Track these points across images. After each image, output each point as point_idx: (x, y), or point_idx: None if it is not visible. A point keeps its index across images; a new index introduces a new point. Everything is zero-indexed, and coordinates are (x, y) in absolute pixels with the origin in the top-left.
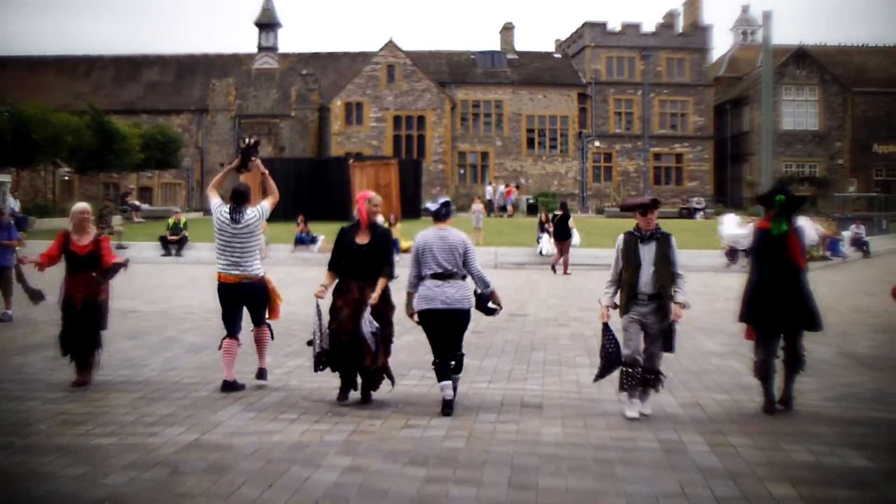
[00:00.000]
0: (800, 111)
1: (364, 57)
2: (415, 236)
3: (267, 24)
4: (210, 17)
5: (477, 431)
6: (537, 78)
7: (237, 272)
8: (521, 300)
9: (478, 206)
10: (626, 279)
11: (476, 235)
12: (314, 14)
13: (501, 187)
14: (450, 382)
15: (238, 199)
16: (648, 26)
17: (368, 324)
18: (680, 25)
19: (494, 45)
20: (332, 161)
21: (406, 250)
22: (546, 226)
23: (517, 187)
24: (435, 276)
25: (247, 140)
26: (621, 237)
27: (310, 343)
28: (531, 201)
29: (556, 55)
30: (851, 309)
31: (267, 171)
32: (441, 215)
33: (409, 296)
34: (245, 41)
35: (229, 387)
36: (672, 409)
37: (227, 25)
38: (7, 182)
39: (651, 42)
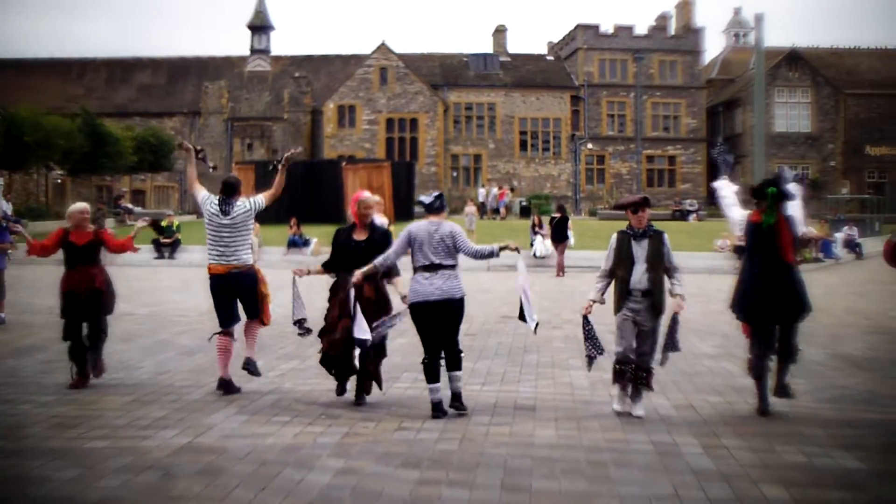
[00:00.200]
0: (792, 113)
1: (356, 59)
2: (408, 225)
3: (259, 26)
4: (202, 20)
5: (470, 434)
6: (530, 80)
7: (227, 262)
8: (513, 302)
9: (471, 208)
10: (619, 276)
11: (469, 238)
12: (307, 17)
13: (494, 190)
14: (438, 385)
15: (227, 191)
16: (641, 29)
17: (359, 331)
18: (672, 28)
19: (487, 47)
20: (325, 164)
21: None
22: (537, 228)
23: (511, 190)
24: (426, 268)
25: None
26: (615, 236)
27: (297, 324)
28: (524, 203)
29: (548, 57)
30: (844, 310)
31: (283, 169)
32: (434, 208)
33: (375, 268)
34: (237, 44)
35: (225, 385)
36: (665, 410)
37: (219, 28)
38: None
39: (643, 44)
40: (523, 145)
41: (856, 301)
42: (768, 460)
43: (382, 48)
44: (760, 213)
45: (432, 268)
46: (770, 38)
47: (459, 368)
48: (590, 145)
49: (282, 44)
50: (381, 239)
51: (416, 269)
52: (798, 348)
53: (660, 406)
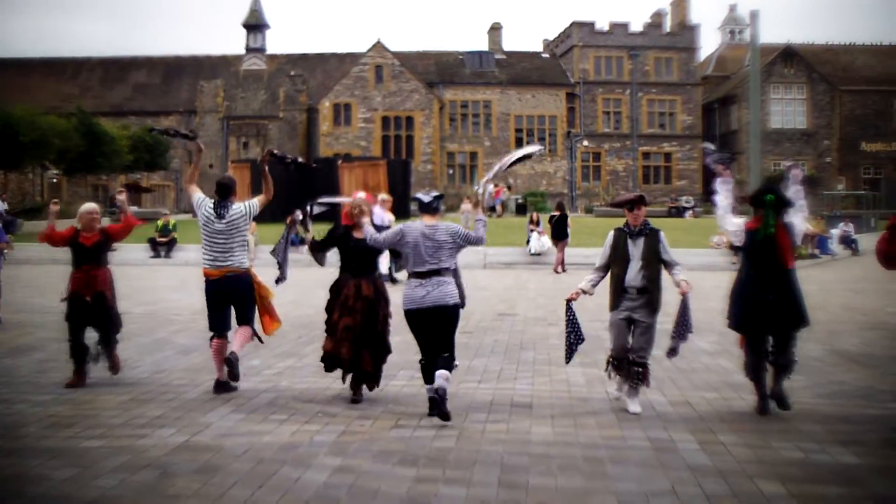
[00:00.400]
0: (788, 110)
1: (352, 58)
2: (403, 224)
3: (255, 25)
4: (198, 19)
5: (467, 431)
6: (525, 78)
7: (221, 265)
8: (510, 300)
9: (467, 206)
10: (614, 274)
11: None
12: (302, 15)
13: (490, 187)
14: (433, 386)
15: (223, 193)
16: (636, 26)
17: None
18: (668, 25)
19: (482, 45)
20: (321, 162)
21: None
22: (530, 226)
23: (507, 188)
24: (420, 274)
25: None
26: (611, 234)
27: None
28: (520, 201)
29: (544, 55)
30: (841, 307)
31: (267, 169)
32: (432, 208)
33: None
34: (233, 42)
35: (221, 386)
36: (662, 407)
37: (214, 27)
38: None
39: (639, 41)
40: (519, 143)
41: (852, 297)
42: (765, 456)
43: (378, 46)
44: (758, 222)
45: (426, 274)
46: (765, 35)
47: (449, 369)
48: (585, 142)
49: (277, 42)
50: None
51: (409, 275)
52: (795, 361)
53: (656, 402)
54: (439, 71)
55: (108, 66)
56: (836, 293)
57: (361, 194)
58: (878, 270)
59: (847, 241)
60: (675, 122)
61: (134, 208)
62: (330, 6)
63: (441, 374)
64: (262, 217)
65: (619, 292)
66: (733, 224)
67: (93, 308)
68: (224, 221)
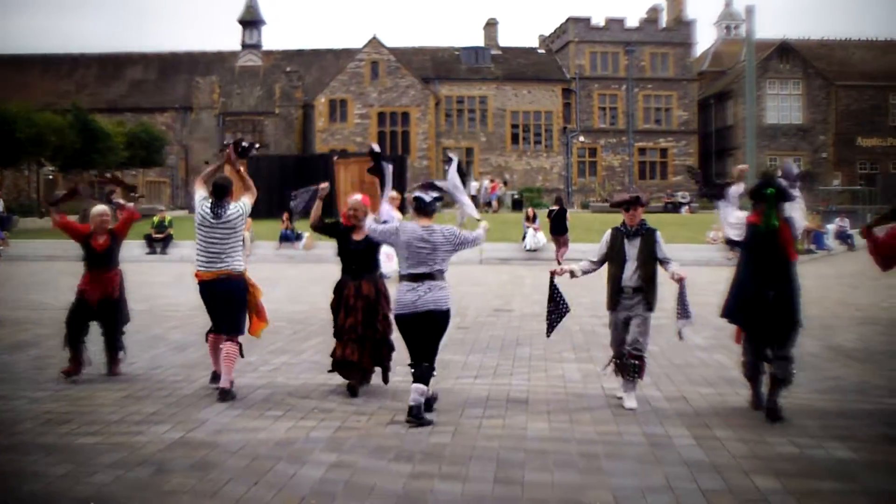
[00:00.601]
0: (784, 105)
1: (348, 54)
2: (400, 223)
3: (250, 21)
4: (193, 15)
5: (463, 427)
6: (521, 73)
7: (215, 268)
8: (505, 295)
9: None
10: (611, 273)
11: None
12: (298, 11)
13: (486, 183)
14: (421, 387)
15: (219, 194)
16: (632, 21)
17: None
18: (664, 20)
19: (478, 40)
20: (317, 158)
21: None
22: (526, 223)
23: (504, 183)
24: (413, 277)
25: (244, 143)
26: (609, 232)
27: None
28: (516, 197)
29: (539, 51)
30: (836, 302)
31: (243, 169)
32: (432, 210)
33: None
34: (228, 39)
35: (217, 379)
36: (657, 402)
37: (210, 23)
38: None
39: (635, 37)
40: (515, 138)
41: (848, 292)
42: (760, 451)
43: (373, 42)
44: (759, 215)
45: (419, 277)
46: (761, 30)
47: (425, 383)
48: (581, 138)
49: (273, 38)
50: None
51: (401, 277)
52: (792, 371)
53: (652, 398)
54: (435, 67)
55: (103, 62)
56: (831, 288)
57: (357, 196)
58: (874, 265)
59: (843, 237)
60: (671, 118)
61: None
62: (326, 2)
63: (417, 388)
64: (258, 213)
65: (615, 292)
66: (735, 217)
67: (100, 309)
68: (221, 220)
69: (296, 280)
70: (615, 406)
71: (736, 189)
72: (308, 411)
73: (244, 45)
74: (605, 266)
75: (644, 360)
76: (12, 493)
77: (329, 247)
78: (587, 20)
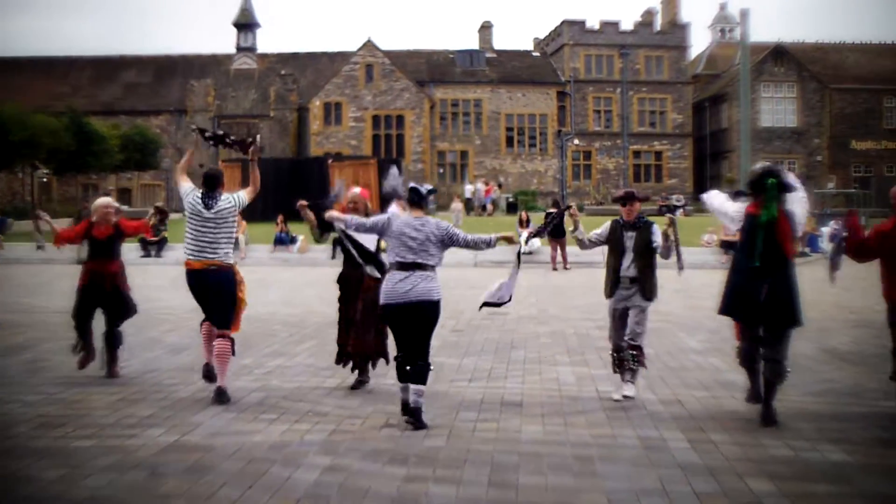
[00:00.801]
0: (778, 108)
1: (342, 57)
2: (392, 213)
3: (245, 24)
4: (188, 18)
5: (457, 430)
6: (516, 76)
7: (204, 258)
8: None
9: (457, 205)
10: (610, 264)
11: None
12: (292, 14)
13: (481, 186)
14: (407, 385)
15: (210, 184)
16: (627, 24)
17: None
18: (658, 23)
19: (473, 43)
20: (312, 161)
21: (384, 250)
22: (520, 229)
23: (498, 186)
24: (403, 266)
25: (207, 133)
26: (609, 222)
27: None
28: (511, 200)
29: (534, 53)
30: (831, 304)
31: (256, 161)
32: (425, 203)
33: (344, 221)
34: (223, 42)
35: (210, 372)
36: (652, 405)
37: (205, 26)
38: None
39: (629, 40)
40: (510, 141)
41: (842, 295)
42: (755, 454)
43: (368, 45)
44: (758, 206)
45: (410, 266)
46: (755, 34)
47: (423, 382)
48: (576, 141)
49: (268, 41)
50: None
51: (391, 266)
52: (786, 371)
53: (647, 401)
54: (430, 70)
55: (98, 65)
56: (826, 291)
57: (357, 189)
58: (868, 268)
59: (837, 240)
60: (665, 121)
61: (125, 207)
62: (320, 5)
63: (416, 389)
64: (252, 216)
65: (614, 281)
66: (735, 209)
67: (105, 297)
68: (212, 212)
69: (290, 283)
70: (610, 409)
71: (715, 193)
72: (302, 414)
73: (239, 48)
74: (605, 258)
75: (642, 349)
76: (6, 497)
77: (323, 250)
78: (582, 23)
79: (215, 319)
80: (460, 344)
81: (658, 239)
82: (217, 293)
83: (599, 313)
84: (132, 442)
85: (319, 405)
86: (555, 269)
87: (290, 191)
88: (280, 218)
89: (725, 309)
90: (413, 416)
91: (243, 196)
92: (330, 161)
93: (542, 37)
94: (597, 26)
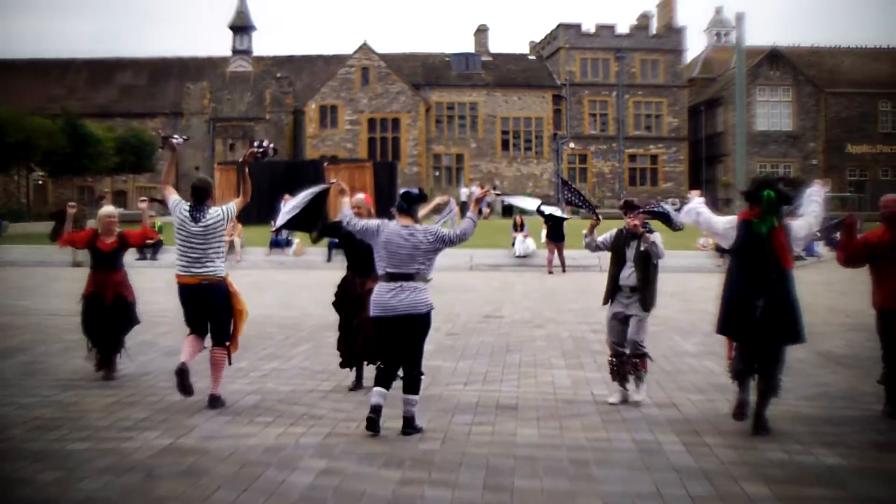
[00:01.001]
0: (773, 112)
1: (338, 60)
2: (382, 221)
3: (241, 27)
4: (184, 21)
5: (452, 433)
6: (512, 80)
7: (196, 272)
8: (496, 302)
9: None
10: (610, 273)
11: None
12: (288, 17)
13: (476, 189)
14: (382, 390)
15: (198, 196)
16: (622, 28)
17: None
18: (654, 27)
19: (469, 47)
20: (307, 164)
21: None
22: (514, 234)
23: (494, 188)
24: (391, 277)
25: (263, 144)
26: (614, 230)
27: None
28: (506, 203)
29: (530, 57)
30: (826, 308)
31: (248, 171)
32: (413, 210)
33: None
34: (219, 44)
35: (181, 373)
36: (647, 409)
37: (200, 29)
38: None
39: (625, 43)
40: (505, 145)
41: (837, 298)
42: (749, 458)
43: (364, 48)
44: (753, 215)
45: (398, 277)
46: (751, 37)
47: (416, 392)
48: (572, 144)
49: (263, 44)
50: None
51: (380, 277)
52: (780, 383)
53: (642, 404)
54: (426, 73)
55: (93, 67)
56: (821, 295)
57: (360, 195)
58: (863, 272)
59: (833, 244)
60: (661, 125)
61: (121, 210)
62: (316, 8)
63: (410, 399)
64: (249, 219)
65: (613, 290)
66: (722, 224)
67: (110, 308)
68: (200, 225)
69: (286, 286)
70: (605, 412)
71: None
72: (298, 417)
73: (235, 51)
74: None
75: (645, 357)
76: (2, 500)
77: (319, 252)
78: (578, 27)
79: (213, 335)
80: (456, 347)
81: (657, 251)
82: (212, 308)
83: (595, 317)
84: (127, 445)
85: (315, 408)
86: (550, 272)
87: (286, 193)
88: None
89: (723, 327)
90: (407, 426)
91: (232, 207)
92: (326, 164)
93: (537, 40)
94: (592, 30)
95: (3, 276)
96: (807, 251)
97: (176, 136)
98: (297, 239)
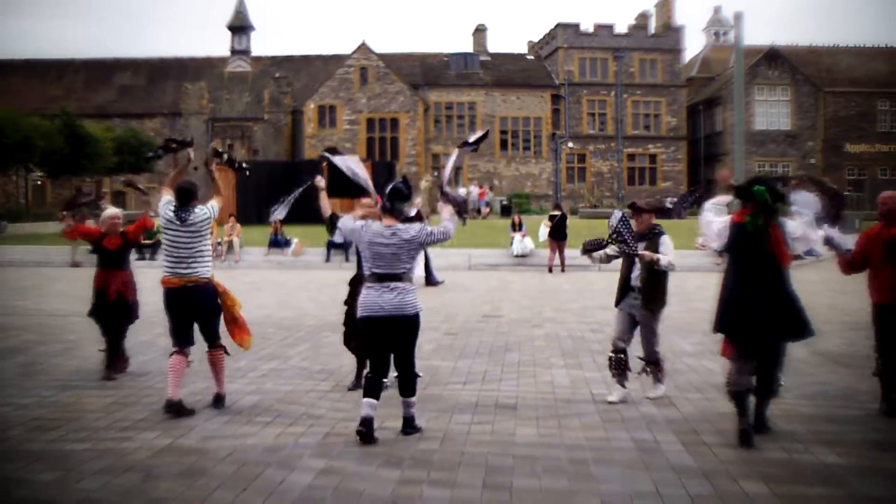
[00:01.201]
0: (772, 111)
1: (337, 59)
2: (365, 222)
3: (239, 27)
4: (182, 21)
5: (451, 433)
6: (510, 79)
7: (181, 273)
8: (494, 301)
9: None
10: (621, 273)
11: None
12: (287, 17)
13: (475, 189)
14: (372, 401)
15: (183, 197)
16: (621, 27)
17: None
18: (652, 26)
19: (467, 46)
20: (306, 164)
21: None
22: (512, 234)
23: (491, 189)
24: (378, 277)
25: (221, 150)
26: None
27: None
28: (505, 202)
29: (528, 56)
30: (825, 307)
31: (213, 171)
32: (396, 210)
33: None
34: (217, 44)
35: (174, 407)
36: (646, 408)
37: (199, 29)
38: None
39: (624, 43)
40: (504, 144)
41: (836, 298)
42: (748, 457)
43: (363, 48)
44: (745, 214)
45: (384, 278)
46: (749, 37)
47: (412, 394)
48: (570, 144)
49: (262, 44)
50: None
51: (366, 278)
52: (778, 384)
53: (640, 404)
54: (424, 73)
55: (92, 67)
56: (820, 294)
57: (367, 200)
58: (862, 272)
59: (831, 243)
60: (659, 124)
61: (120, 210)
62: (315, 8)
63: (408, 402)
64: (248, 219)
65: (624, 289)
66: (718, 221)
67: (115, 306)
68: (186, 224)
69: (284, 286)
70: (604, 412)
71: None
72: (296, 417)
73: (233, 51)
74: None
75: (660, 363)
76: (1, 500)
77: (318, 253)
78: (576, 26)
79: (204, 337)
80: (455, 347)
81: (665, 251)
82: (199, 311)
83: (594, 316)
84: (126, 445)
85: (314, 408)
86: (550, 270)
87: (285, 194)
88: (277, 221)
89: (722, 329)
90: (408, 426)
91: (215, 206)
92: (324, 163)
93: (536, 40)
94: (591, 29)
95: (1, 277)
96: (806, 251)
97: (185, 139)
98: (297, 238)
